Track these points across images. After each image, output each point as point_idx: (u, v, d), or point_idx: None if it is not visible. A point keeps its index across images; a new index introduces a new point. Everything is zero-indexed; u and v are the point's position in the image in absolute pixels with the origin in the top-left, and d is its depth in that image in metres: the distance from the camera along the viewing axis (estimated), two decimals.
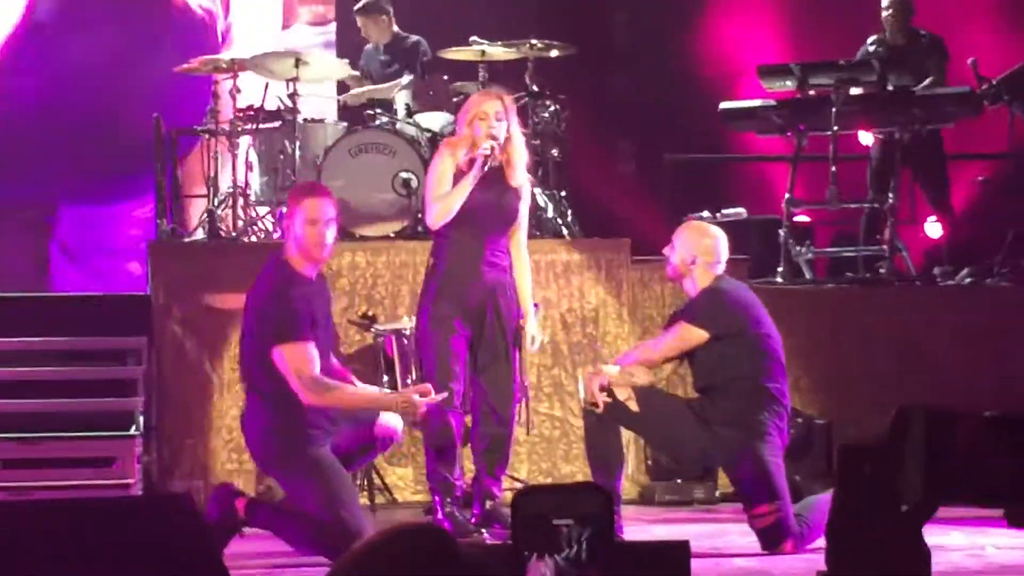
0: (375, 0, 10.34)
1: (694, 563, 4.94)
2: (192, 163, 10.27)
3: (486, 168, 7.08)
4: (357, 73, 10.16)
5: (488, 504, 7.20)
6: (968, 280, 9.51)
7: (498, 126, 7.11)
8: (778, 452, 6.95)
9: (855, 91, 9.52)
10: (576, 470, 8.62)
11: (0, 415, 8.56)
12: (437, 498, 7.14)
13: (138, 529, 3.76)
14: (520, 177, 7.21)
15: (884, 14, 10.13)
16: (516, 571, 3.61)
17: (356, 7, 10.44)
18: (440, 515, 7.08)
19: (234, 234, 9.12)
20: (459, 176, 7.12)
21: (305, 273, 6.57)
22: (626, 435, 8.74)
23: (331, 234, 6.58)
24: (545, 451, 8.71)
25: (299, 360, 6.36)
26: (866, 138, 9.95)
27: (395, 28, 10.35)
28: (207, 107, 9.59)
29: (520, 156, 7.21)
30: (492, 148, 7.07)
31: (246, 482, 8.55)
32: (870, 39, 10.15)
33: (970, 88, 9.55)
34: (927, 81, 9.72)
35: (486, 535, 7.04)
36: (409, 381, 8.06)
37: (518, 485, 8.26)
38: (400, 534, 2.41)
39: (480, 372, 7.17)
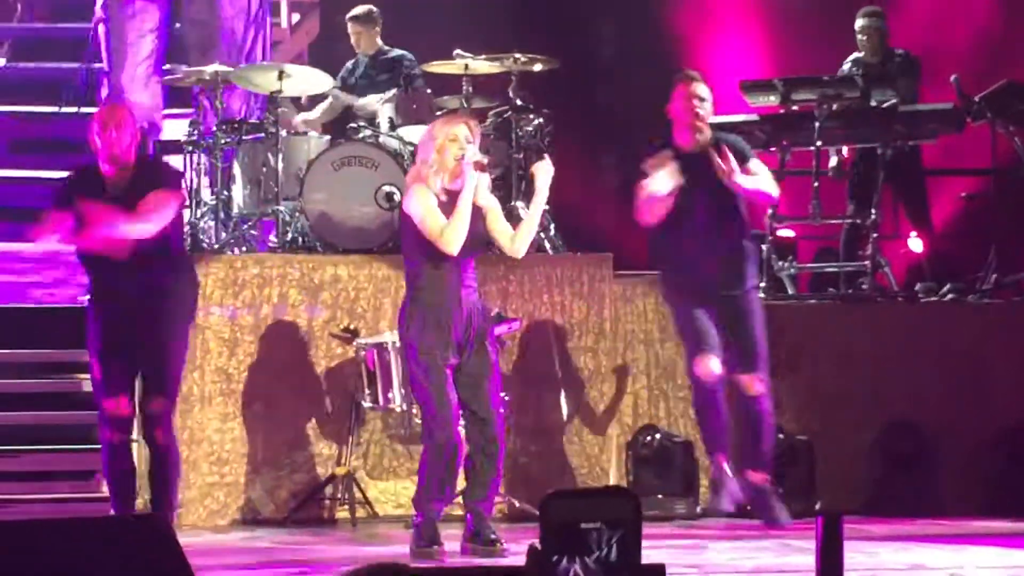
0: (369, 10, 10.36)
1: None
2: None
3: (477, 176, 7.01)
4: (339, 85, 10.17)
5: (475, 523, 7.15)
6: (950, 296, 9.51)
7: (469, 148, 7.06)
8: None
9: (838, 107, 9.51)
10: (557, 483, 8.59)
11: None
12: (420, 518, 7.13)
13: (112, 550, 3.74)
14: (482, 198, 7.12)
15: (859, 34, 10.15)
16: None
17: (351, 15, 10.42)
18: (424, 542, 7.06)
19: (216, 246, 9.10)
20: (443, 204, 7.06)
21: None
22: (605, 451, 8.77)
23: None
24: (527, 464, 8.68)
25: None
26: (833, 161, 9.92)
27: (379, 41, 10.37)
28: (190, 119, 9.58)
29: (481, 180, 7.12)
30: (477, 159, 7.02)
31: (227, 494, 8.54)
32: (851, 57, 10.17)
33: (953, 104, 9.56)
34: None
35: (445, 553, 7.02)
36: (390, 395, 8.06)
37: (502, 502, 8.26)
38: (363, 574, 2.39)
39: (465, 397, 7.13)
